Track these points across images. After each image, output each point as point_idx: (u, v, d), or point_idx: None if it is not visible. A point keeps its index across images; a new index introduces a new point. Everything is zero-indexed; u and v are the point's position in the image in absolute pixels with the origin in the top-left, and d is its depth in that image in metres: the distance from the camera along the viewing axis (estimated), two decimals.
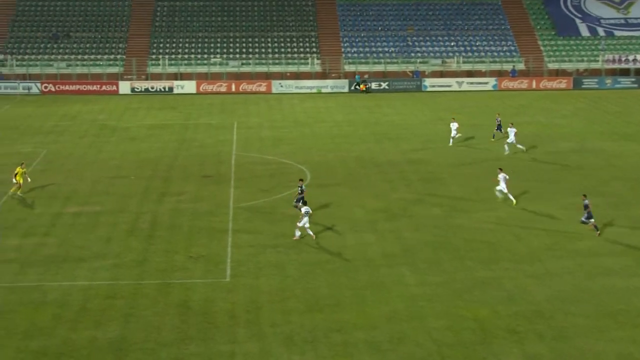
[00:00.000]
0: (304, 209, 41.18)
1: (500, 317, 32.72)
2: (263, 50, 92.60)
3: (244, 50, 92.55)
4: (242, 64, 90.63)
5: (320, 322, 32.46)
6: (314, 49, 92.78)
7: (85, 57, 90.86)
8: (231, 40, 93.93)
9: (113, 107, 78.75)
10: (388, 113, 74.91)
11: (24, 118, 73.49)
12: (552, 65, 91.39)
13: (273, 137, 63.33)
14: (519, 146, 58.53)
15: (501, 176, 46.35)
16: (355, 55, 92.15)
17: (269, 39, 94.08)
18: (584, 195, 42.36)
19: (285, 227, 43.50)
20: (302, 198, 43.66)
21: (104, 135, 66.60)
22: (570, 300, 34.21)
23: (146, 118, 73.52)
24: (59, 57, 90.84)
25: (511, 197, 46.47)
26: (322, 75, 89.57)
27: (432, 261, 38.60)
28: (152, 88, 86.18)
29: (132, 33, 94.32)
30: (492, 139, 61.12)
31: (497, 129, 62.66)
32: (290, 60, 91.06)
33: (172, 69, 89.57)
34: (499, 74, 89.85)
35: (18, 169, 49.79)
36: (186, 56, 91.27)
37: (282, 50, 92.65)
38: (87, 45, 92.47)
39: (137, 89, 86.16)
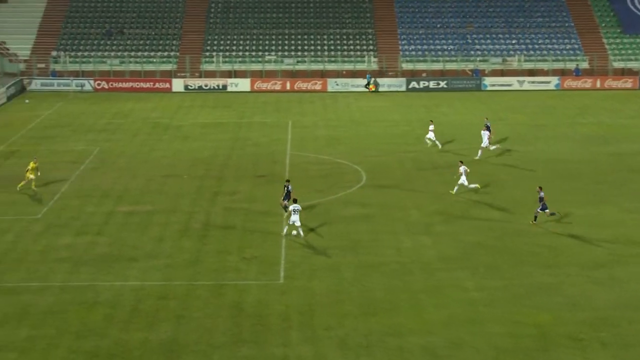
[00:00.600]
0: (292, 207, 41.48)
1: (562, 324, 32.36)
2: (319, 47, 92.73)
3: (299, 47, 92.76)
4: (298, 61, 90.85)
5: (375, 326, 32.39)
6: (371, 47, 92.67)
7: (139, 54, 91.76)
8: (286, 37, 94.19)
9: (166, 104, 79.46)
10: (446, 112, 74.54)
11: (77, 115, 74.50)
12: (618, 64, 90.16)
13: (328, 137, 63.40)
14: (492, 147, 56.99)
15: (462, 169, 48.00)
16: (413, 53, 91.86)
17: (325, 36, 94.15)
18: (540, 188, 43.37)
19: (341, 228, 43.54)
20: (289, 196, 43.59)
21: (156, 133, 67.22)
22: (636, 308, 33.71)
23: (199, 116, 74.06)
24: (112, 54, 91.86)
25: (472, 186, 48.46)
26: (379, 74, 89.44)
27: (491, 265, 38.30)
28: (206, 86, 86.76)
29: (186, 30, 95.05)
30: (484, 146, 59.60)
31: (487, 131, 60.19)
32: (346, 58, 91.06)
33: (226, 67, 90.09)
34: (562, 73, 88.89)
35: (31, 164, 50.89)
36: (240, 53, 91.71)
37: (338, 47, 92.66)
38: (141, 42, 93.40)
39: (191, 86, 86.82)
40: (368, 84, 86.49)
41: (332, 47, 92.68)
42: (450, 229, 43.06)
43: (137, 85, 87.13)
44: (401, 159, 58.05)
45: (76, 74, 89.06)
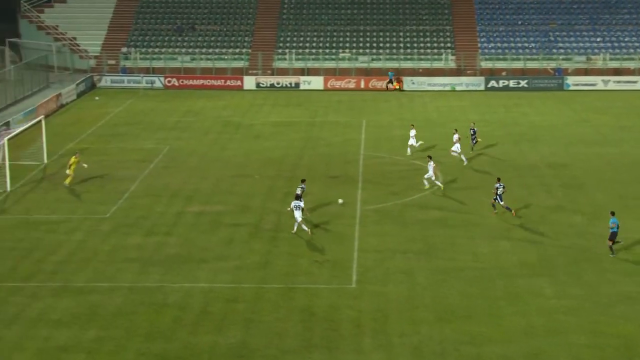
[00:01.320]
0: (293, 203, 42.30)
1: None
2: (394, 45, 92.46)
3: (374, 44, 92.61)
4: (372, 59, 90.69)
5: (451, 334, 32.16)
6: (449, 44, 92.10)
7: (210, 50, 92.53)
8: (361, 34, 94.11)
9: (237, 102, 79.96)
10: (527, 113, 73.72)
11: (147, 113, 75.42)
12: None
13: (404, 137, 63.17)
14: (463, 157, 55.94)
15: (430, 165, 49.75)
16: (493, 51, 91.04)
17: (401, 33, 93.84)
18: (498, 179, 46.02)
19: (416, 231, 43.35)
20: (299, 198, 43.98)
21: (227, 132, 67.71)
22: None
23: (271, 115, 74.39)
24: (183, 50, 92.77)
25: (439, 183, 49.67)
26: (457, 72, 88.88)
27: (573, 272, 37.77)
28: (278, 84, 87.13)
29: (259, 26, 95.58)
30: (471, 151, 58.54)
31: (472, 141, 58.92)
32: (423, 56, 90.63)
33: (299, 64, 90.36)
34: None
35: (72, 159, 52.20)
36: (314, 50, 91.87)
37: (415, 45, 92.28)
38: (212, 39, 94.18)
39: (263, 84, 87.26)
40: (390, 82, 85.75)
41: (408, 45, 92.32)
42: (530, 234, 42.57)
43: (208, 82, 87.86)
44: (479, 160, 57.60)
45: (146, 71, 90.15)
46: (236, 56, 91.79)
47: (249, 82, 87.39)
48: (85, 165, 53.03)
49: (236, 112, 75.34)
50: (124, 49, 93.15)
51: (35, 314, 34.00)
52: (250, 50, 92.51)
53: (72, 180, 52.18)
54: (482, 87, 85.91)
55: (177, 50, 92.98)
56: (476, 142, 58.71)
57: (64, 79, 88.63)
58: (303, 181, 46.68)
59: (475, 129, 59.10)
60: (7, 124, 64.25)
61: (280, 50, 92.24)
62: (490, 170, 55.03)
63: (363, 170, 55.09)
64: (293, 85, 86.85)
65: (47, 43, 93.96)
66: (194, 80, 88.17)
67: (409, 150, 58.80)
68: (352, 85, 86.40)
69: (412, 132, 59.32)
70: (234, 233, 43.37)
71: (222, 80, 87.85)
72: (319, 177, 53.60)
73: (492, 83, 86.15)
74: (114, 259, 40.00)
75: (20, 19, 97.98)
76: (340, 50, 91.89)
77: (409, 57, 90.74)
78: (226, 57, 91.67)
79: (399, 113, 74.48)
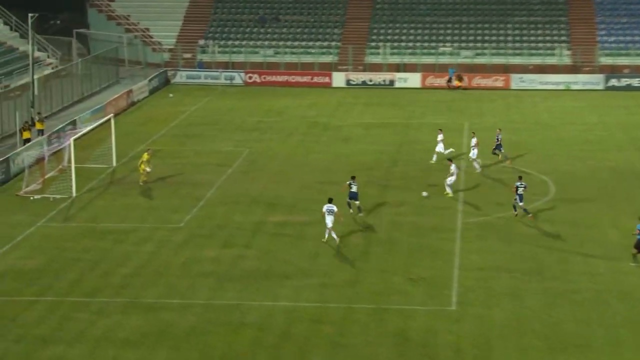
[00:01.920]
0: (325, 207, 43.01)
1: None
2: (501, 38, 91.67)
3: (478, 38, 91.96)
4: (476, 54, 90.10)
5: None
6: (563, 38, 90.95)
7: (296, 43, 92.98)
8: (464, 26, 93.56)
9: (325, 101, 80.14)
10: None
11: (225, 112, 76.01)
12: None
13: (511, 142, 62.55)
14: (476, 164, 55.87)
15: (453, 167, 50.82)
16: (614, 45, 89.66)
17: (509, 25, 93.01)
18: (520, 177, 47.48)
19: (524, 248, 42.87)
20: (356, 197, 44.63)
21: (313, 134, 67.86)
22: None
23: (362, 115, 74.37)
24: (266, 43, 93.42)
25: (449, 190, 50.88)
26: (572, 69, 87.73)
27: None
28: (370, 81, 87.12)
29: (350, 17, 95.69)
30: (501, 159, 57.71)
31: (496, 148, 58.21)
32: (534, 51, 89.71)
33: (394, 59, 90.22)
34: None
35: (144, 156, 53.30)
36: (410, 44, 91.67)
37: (525, 38, 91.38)
38: (298, 31, 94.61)
39: (353, 81, 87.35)
40: (450, 80, 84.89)
41: (517, 38, 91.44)
42: None
43: (293, 79, 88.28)
44: (597, 168, 56.75)
45: (225, 66, 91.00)
46: (324, 50, 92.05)
47: (338, 79, 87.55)
48: (149, 170, 53.71)
49: (323, 112, 75.49)
50: (201, 42, 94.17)
51: (101, 332, 34.42)
52: (340, 44, 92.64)
53: (147, 178, 53.40)
54: (600, 86, 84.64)
55: (259, 43, 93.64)
56: (500, 149, 57.94)
57: (135, 74, 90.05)
58: (353, 178, 47.33)
59: (501, 135, 58.43)
60: (74, 123, 65.46)
61: (373, 44, 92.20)
62: (610, 179, 54.10)
63: (465, 178, 54.67)
64: (387, 82, 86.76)
65: (118, 34, 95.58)
66: (278, 77, 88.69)
67: (434, 157, 58.43)
68: (453, 83, 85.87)
69: (440, 137, 58.94)
70: (320, 246, 43.39)
71: (309, 77, 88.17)
72: (416, 185, 53.35)
73: (613, 81, 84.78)
74: (188, 273, 40.33)
75: (89, 8, 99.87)
76: (441, 44, 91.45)
77: (517, 52, 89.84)
78: (313, 51, 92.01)
79: (505, 114, 73.79)
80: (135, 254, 42.73)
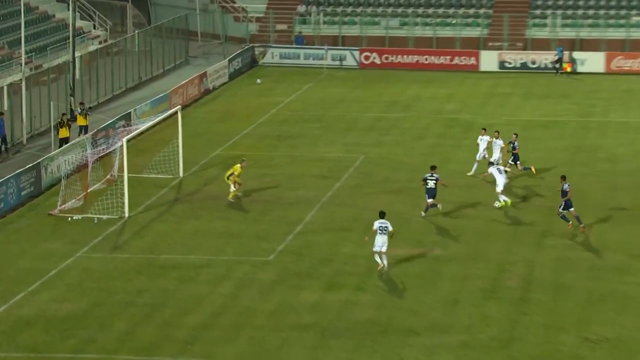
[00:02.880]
0: (377, 223, 45.00)
1: None
2: None
3: None
4: None
5: None
6: None
7: (430, 12, 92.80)
8: None
9: (469, 91, 79.96)
10: None
11: (332, 104, 76.21)
12: None
13: None
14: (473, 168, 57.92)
15: (497, 172, 53.04)
16: None
17: None
18: (563, 177, 50.29)
19: None
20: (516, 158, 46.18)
21: (452, 135, 68.04)
22: None
23: (521, 111, 74.07)
24: (389, 11, 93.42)
25: (504, 198, 52.88)
26: None
27: None
28: (533, 63, 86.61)
29: None
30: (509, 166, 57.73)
31: (513, 160, 58.14)
32: None
33: (566, 33, 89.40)
34: None
35: (236, 168, 54.21)
36: (590, 12, 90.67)
37: None
38: None
39: (509, 63, 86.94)
40: (559, 61, 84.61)
41: None
42: None
43: (426, 60, 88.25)
44: None
45: (333, 42, 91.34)
46: (470, 21, 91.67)
47: (489, 60, 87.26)
48: (240, 193, 54.02)
49: (467, 106, 75.39)
50: (301, 8, 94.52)
51: None
52: (491, 12, 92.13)
53: (232, 193, 54.28)
54: None
55: (379, 11, 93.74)
56: (516, 159, 58.08)
57: (211, 52, 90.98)
58: (433, 168, 48.91)
59: (516, 142, 58.37)
60: (127, 118, 66.08)
61: (538, 12, 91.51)
62: None
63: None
64: (558, 65, 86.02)
65: None
66: (404, 57, 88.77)
67: (474, 168, 58.58)
68: None
69: (484, 139, 58.74)
70: (460, 290, 43.19)
71: (447, 57, 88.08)
72: (597, 207, 52.88)
73: None
74: (279, 324, 40.42)
75: None
76: (634, 12, 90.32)
77: None
78: (454, 22, 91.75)
79: None
80: (208, 297, 42.98)
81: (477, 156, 58.54)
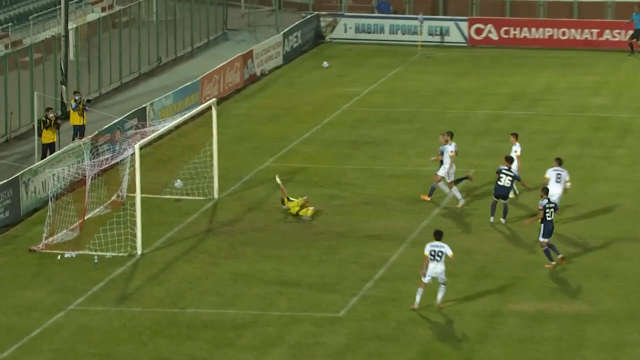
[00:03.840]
0: (428, 247, 46.08)
1: None
2: None
3: None
4: None
5: None
6: None
7: None
8: None
9: (625, 79, 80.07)
10: None
11: (429, 98, 76.55)
12: None
13: None
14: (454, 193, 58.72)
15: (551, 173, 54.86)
16: None
17: None
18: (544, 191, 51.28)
19: None
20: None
21: (601, 141, 68.30)
22: None
23: None
24: None
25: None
26: None
27: None
28: None
29: None
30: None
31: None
32: None
33: None
34: None
35: (299, 202, 55.74)
36: None
37: None
38: None
39: None
40: (635, 36, 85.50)
41: None
42: None
43: (563, 34, 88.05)
44: None
45: (431, 9, 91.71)
46: None
47: None
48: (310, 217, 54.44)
49: (622, 100, 75.29)
50: None
51: None
52: None
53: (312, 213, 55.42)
54: None
55: None
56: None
57: (258, 23, 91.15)
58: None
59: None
60: (142, 115, 66.16)
61: None
62: None
63: None
64: None
65: None
66: (532, 30, 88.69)
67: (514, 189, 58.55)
68: None
69: (516, 148, 59.03)
70: None
71: (594, 31, 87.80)
72: None
73: None
74: None
75: None
76: None
77: None
78: None
79: None
80: None
81: None
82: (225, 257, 52.66)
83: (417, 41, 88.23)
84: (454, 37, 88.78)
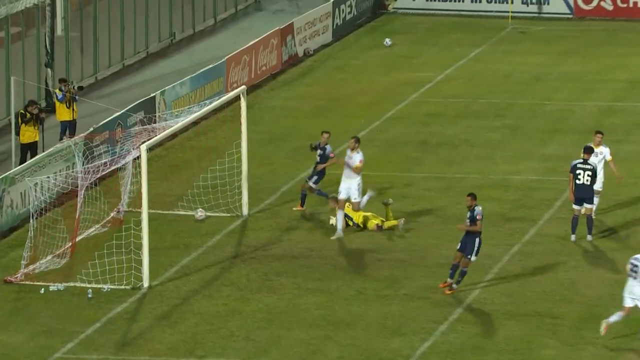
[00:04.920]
0: (630, 263, 45.83)
1: None
2: None
3: None
4: None
5: None
6: None
7: None
8: None
9: None
10: None
11: (522, 85, 76.98)
12: None
13: None
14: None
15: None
16: None
17: None
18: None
19: None
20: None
21: None
22: None
23: None
24: None
25: None
26: None
27: None
28: None
29: None
30: None
31: None
32: None
33: None
34: None
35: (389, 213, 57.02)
36: None
37: None
38: None
39: None
40: None
41: None
42: None
43: None
44: None
45: None
46: None
47: None
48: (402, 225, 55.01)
49: None
50: None
51: None
52: None
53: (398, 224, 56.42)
54: None
55: None
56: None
57: None
58: (589, 151, 53.10)
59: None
60: (150, 107, 66.45)
61: None
62: None
63: None
64: None
65: None
66: None
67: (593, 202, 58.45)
68: None
69: (603, 153, 59.22)
70: None
71: None
72: None
73: None
74: None
75: None
76: None
77: None
78: None
79: None
80: None
81: None
82: (257, 290, 53.02)
83: (507, 11, 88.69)
84: (556, 6, 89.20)
